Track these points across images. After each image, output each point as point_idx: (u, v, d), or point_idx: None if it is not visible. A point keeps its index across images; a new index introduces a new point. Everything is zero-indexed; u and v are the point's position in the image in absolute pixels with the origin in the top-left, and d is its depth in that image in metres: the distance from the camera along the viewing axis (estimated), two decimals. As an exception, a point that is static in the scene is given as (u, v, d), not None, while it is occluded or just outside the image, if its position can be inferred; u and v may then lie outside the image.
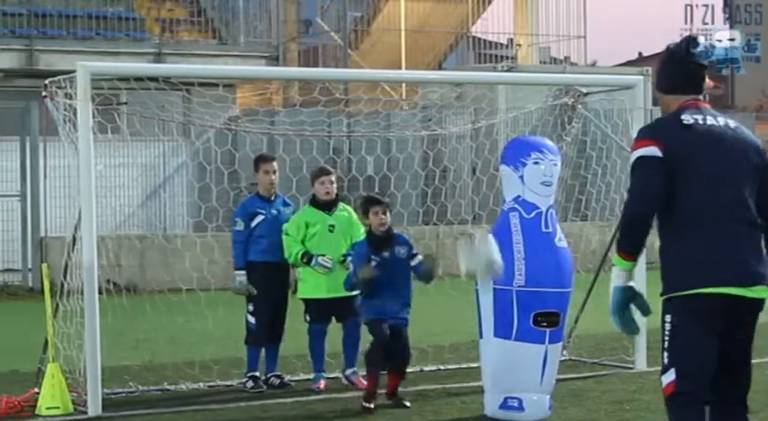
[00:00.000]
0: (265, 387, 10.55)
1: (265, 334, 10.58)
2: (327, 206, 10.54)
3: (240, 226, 10.64)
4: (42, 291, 10.20)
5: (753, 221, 5.84)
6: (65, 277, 9.93)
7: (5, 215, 19.86)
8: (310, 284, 10.46)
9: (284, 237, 10.46)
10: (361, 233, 10.42)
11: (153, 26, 25.35)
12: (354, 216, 10.68)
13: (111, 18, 24.69)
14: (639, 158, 5.84)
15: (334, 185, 10.67)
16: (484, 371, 9.31)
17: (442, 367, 11.50)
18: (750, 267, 5.77)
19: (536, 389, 9.08)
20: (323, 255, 10.36)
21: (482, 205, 14.85)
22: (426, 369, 11.40)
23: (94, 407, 9.51)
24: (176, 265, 15.88)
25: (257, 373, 10.58)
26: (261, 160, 10.96)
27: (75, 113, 9.70)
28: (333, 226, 10.49)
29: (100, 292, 9.74)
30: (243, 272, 10.58)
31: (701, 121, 5.89)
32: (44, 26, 23.74)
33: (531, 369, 9.00)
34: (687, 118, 5.89)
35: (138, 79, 11.21)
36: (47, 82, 10.04)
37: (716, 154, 5.83)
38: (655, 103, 23.49)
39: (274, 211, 10.70)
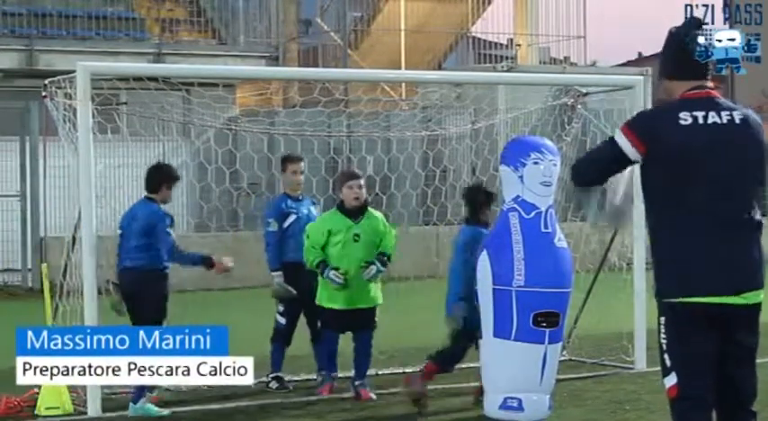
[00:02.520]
0: (292, 386, 10.56)
1: (292, 333, 10.58)
2: (354, 213, 10.07)
3: (274, 226, 10.52)
4: (42, 291, 10.20)
5: (749, 223, 5.67)
6: (64, 277, 9.94)
7: (5, 215, 19.87)
8: (327, 293, 10.11)
9: (305, 239, 10.18)
10: (392, 243, 10.17)
11: (153, 26, 25.36)
12: (383, 223, 10.28)
13: (111, 18, 24.71)
14: (614, 144, 5.77)
15: (364, 190, 10.19)
16: (483, 371, 9.30)
17: (441, 367, 11.49)
18: (740, 274, 5.63)
19: (536, 389, 9.08)
20: (336, 269, 9.97)
21: (482, 205, 14.82)
22: (426, 369, 11.40)
23: (94, 407, 9.52)
24: (177, 266, 15.84)
25: (281, 374, 10.59)
26: (288, 160, 10.86)
27: (74, 113, 9.72)
28: (358, 235, 10.06)
29: (100, 292, 9.75)
30: (280, 273, 10.48)
31: (701, 120, 5.63)
32: (44, 26, 23.76)
33: (530, 369, 9.00)
34: (685, 116, 5.64)
35: (138, 79, 11.22)
36: (47, 82, 10.04)
37: (713, 157, 5.60)
38: (655, 103, 23.46)
39: (305, 211, 10.64)
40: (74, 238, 9.90)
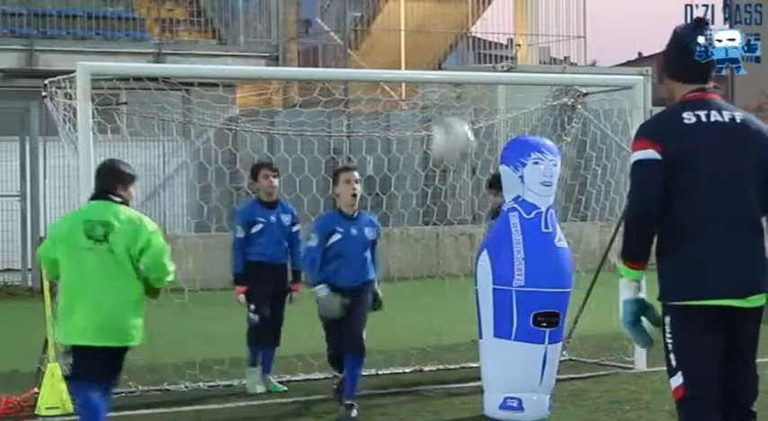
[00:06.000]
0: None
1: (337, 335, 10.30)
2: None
3: (314, 241, 9.51)
4: (42, 291, 10.19)
5: (754, 224, 5.65)
6: (65, 277, 9.91)
7: (5, 215, 19.88)
8: None
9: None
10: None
11: (153, 26, 25.35)
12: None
13: (111, 18, 24.69)
14: (637, 163, 5.61)
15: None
16: (483, 371, 9.31)
17: (441, 367, 11.50)
18: (745, 276, 5.60)
19: (535, 389, 9.08)
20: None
21: (482, 205, 14.88)
22: (426, 369, 11.40)
23: (94, 407, 9.50)
24: (177, 266, 15.83)
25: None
26: (343, 170, 9.81)
27: (74, 113, 9.72)
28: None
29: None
30: (323, 285, 9.42)
31: (704, 118, 5.61)
32: (44, 26, 23.74)
33: (530, 369, 9.00)
34: (689, 116, 5.61)
35: (138, 79, 11.22)
36: (47, 82, 10.04)
37: (718, 156, 5.58)
38: (654, 103, 23.45)
39: (354, 232, 9.50)
40: (74, 238, 9.86)
